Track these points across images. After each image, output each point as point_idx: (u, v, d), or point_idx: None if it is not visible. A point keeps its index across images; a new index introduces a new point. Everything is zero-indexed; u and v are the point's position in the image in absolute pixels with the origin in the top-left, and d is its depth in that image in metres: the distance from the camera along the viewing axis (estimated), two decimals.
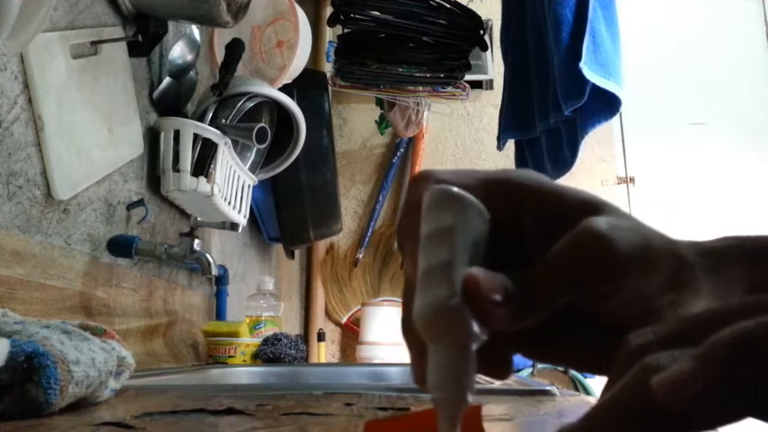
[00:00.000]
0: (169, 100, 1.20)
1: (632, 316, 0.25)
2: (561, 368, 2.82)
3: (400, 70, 2.13)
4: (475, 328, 0.23)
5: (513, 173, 0.28)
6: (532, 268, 0.25)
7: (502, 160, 2.75)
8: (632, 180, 3.06)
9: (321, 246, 2.94)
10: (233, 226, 1.24)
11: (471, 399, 0.23)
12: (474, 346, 0.24)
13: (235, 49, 1.27)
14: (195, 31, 1.25)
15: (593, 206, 0.26)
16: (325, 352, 2.64)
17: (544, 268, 0.24)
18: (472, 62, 2.12)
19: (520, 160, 1.94)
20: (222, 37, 1.48)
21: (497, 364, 0.27)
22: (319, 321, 2.86)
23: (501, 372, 0.27)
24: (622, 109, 1.50)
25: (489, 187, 0.27)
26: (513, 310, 0.23)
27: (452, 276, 0.24)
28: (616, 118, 1.67)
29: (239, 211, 1.36)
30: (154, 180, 1.15)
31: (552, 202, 0.26)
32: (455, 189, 0.26)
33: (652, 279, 0.24)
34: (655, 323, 0.25)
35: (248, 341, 1.27)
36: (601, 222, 0.24)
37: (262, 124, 1.23)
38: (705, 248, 0.26)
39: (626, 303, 0.25)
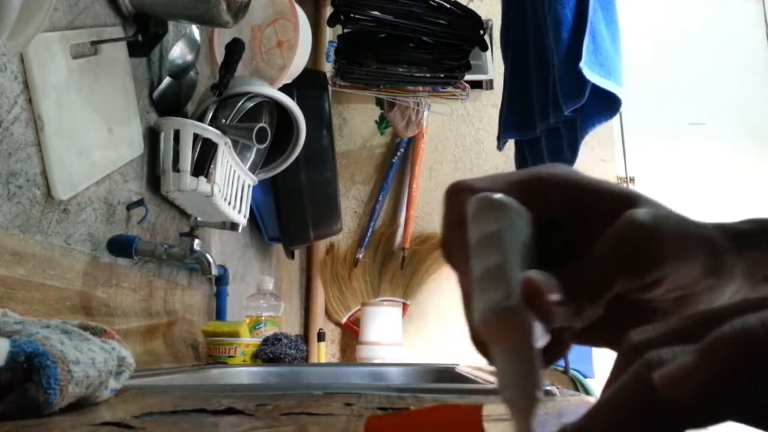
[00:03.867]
0: (169, 100, 1.20)
1: (672, 301, 0.26)
2: (561, 368, 2.82)
3: (400, 70, 2.13)
4: (537, 326, 0.24)
5: (544, 171, 0.28)
6: (580, 261, 0.25)
7: (502, 160, 2.74)
8: (632, 180, 3.06)
9: (321, 246, 2.94)
10: (233, 226, 1.24)
11: (541, 396, 0.24)
12: (537, 345, 0.24)
13: (235, 49, 1.27)
14: (195, 31, 1.25)
15: (630, 198, 0.27)
16: (325, 352, 2.64)
17: (593, 262, 0.25)
18: (472, 62, 2.12)
19: (520, 160, 1.94)
20: (222, 37, 1.48)
21: (555, 348, 0.27)
22: (319, 321, 2.86)
23: (560, 353, 0.28)
24: (622, 109, 1.50)
25: (523, 187, 0.28)
26: (572, 307, 0.24)
27: (506, 277, 0.24)
28: (616, 118, 1.67)
29: (239, 211, 1.36)
30: (154, 180, 1.15)
31: (589, 196, 0.27)
32: (497, 195, 0.27)
33: (692, 266, 0.25)
34: (692, 304, 0.26)
35: (248, 341, 1.27)
36: (643, 213, 0.25)
37: (262, 124, 1.23)
38: (731, 231, 0.27)
39: (669, 290, 0.26)
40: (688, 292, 0.26)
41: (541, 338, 0.24)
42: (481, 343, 0.27)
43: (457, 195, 0.28)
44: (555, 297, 0.24)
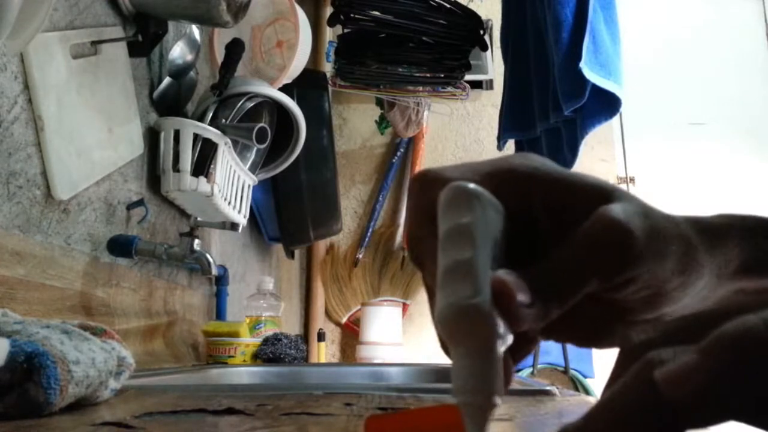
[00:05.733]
0: (169, 100, 1.20)
1: (643, 299, 0.26)
2: (561, 367, 2.82)
3: (400, 70, 2.13)
4: (502, 328, 0.23)
5: (516, 161, 0.27)
6: (550, 261, 0.24)
7: None
8: (632, 180, 3.06)
9: (321, 246, 2.94)
10: (233, 226, 1.24)
11: (499, 402, 0.22)
12: (501, 348, 0.23)
13: (235, 49, 1.27)
14: (195, 31, 1.25)
15: (605, 192, 0.26)
16: (325, 352, 2.64)
17: (564, 261, 0.24)
18: (472, 62, 2.12)
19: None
20: (222, 37, 1.48)
21: (522, 345, 0.26)
22: (319, 321, 2.86)
23: (527, 350, 0.27)
24: (622, 109, 1.50)
25: (495, 179, 0.26)
26: (540, 309, 0.23)
27: (474, 273, 0.23)
28: (616, 118, 1.67)
29: (239, 211, 1.36)
30: (154, 180, 1.15)
31: (563, 191, 0.26)
32: (471, 186, 0.25)
33: (665, 265, 0.24)
34: (665, 305, 0.25)
35: (248, 341, 1.27)
36: (617, 210, 0.24)
37: (262, 124, 1.23)
38: (703, 225, 0.26)
39: (640, 288, 0.25)
40: (659, 290, 0.25)
41: (504, 342, 0.23)
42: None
43: (428, 185, 0.27)
44: (524, 300, 0.23)
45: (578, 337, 0.29)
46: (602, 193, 0.26)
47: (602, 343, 0.28)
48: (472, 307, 0.22)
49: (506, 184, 0.26)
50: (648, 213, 0.25)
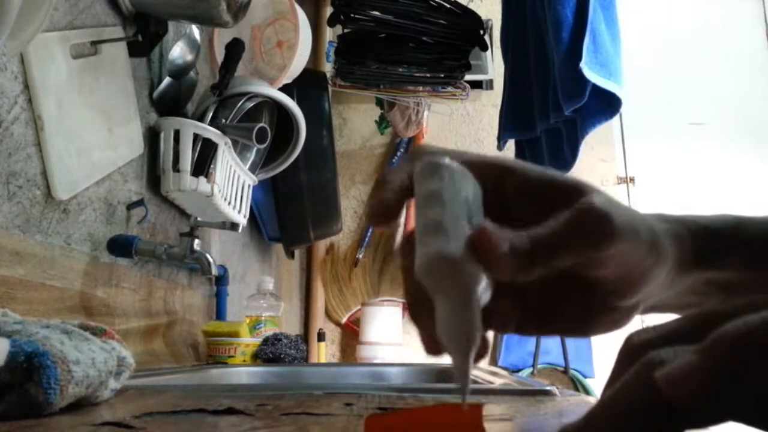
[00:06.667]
0: (169, 100, 1.20)
1: (619, 277, 0.29)
2: (561, 367, 2.82)
3: (400, 70, 2.13)
4: (479, 275, 0.24)
5: (501, 158, 0.31)
6: (537, 227, 0.27)
7: None
8: (632, 180, 3.06)
9: (321, 246, 2.94)
10: (233, 226, 1.24)
11: (478, 340, 0.24)
12: (479, 290, 0.25)
13: (235, 49, 1.27)
14: (195, 31, 1.25)
15: (582, 188, 0.29)
16: (325, 352, 2.64)
17: (551, 229, 0.27)
18: (472, 62, 2.12)
19: (521, 159, 1.94)
20: (222, 37, 1.48)
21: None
22: (319, 321, 2.86)
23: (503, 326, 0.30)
24: (622, 109, 1.50)
25: (473, 165, 0.30)
26: (519, 260, 0.25)
27: (445, 227, 0.25)
28: (616, 118, 1.67)
29: (239, 211, 1.36)
30: (154, 180, 1.15)
31: (543, 185, 0.30)
32: (439, 158, 0.28)
33: (638, 246, 0.28)
34: (638, 283, 0.29)
35: (248, 341, 1.27)
36: (600, 199, 0.28)
37: (262, 124, 1.23)
38: (671, 221, 0.30)
39: (617, 266, 0.28)
40: (632, 270, 0.28)
41: (485, 289, 0.25)
42: (414, 312, 0.29)
43: (416, 157, 0.30)
44: (506, 246, 0.25)
45: (565, 327, 0.31)
46: (580, 188, 0.29)
47: (589, 329, 0.31)
48: (445, 255, 0.24)
49: (482, 169, 0.30)
50: (623, 206, 0.28)
